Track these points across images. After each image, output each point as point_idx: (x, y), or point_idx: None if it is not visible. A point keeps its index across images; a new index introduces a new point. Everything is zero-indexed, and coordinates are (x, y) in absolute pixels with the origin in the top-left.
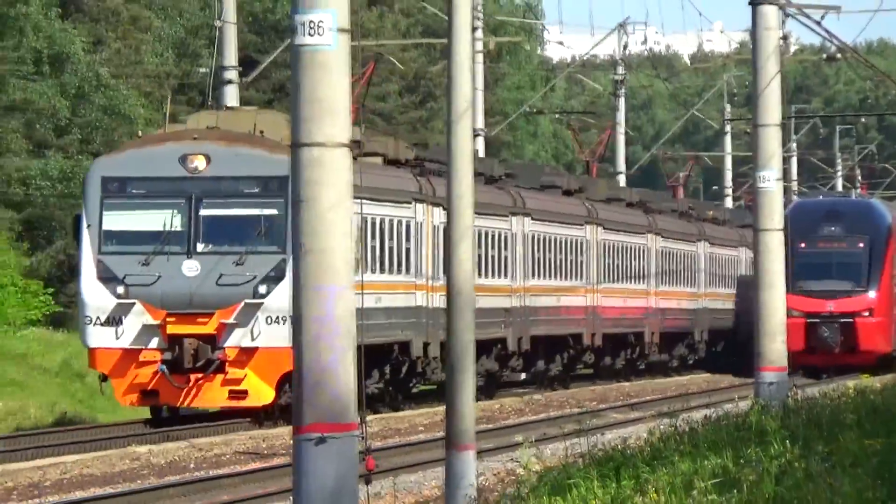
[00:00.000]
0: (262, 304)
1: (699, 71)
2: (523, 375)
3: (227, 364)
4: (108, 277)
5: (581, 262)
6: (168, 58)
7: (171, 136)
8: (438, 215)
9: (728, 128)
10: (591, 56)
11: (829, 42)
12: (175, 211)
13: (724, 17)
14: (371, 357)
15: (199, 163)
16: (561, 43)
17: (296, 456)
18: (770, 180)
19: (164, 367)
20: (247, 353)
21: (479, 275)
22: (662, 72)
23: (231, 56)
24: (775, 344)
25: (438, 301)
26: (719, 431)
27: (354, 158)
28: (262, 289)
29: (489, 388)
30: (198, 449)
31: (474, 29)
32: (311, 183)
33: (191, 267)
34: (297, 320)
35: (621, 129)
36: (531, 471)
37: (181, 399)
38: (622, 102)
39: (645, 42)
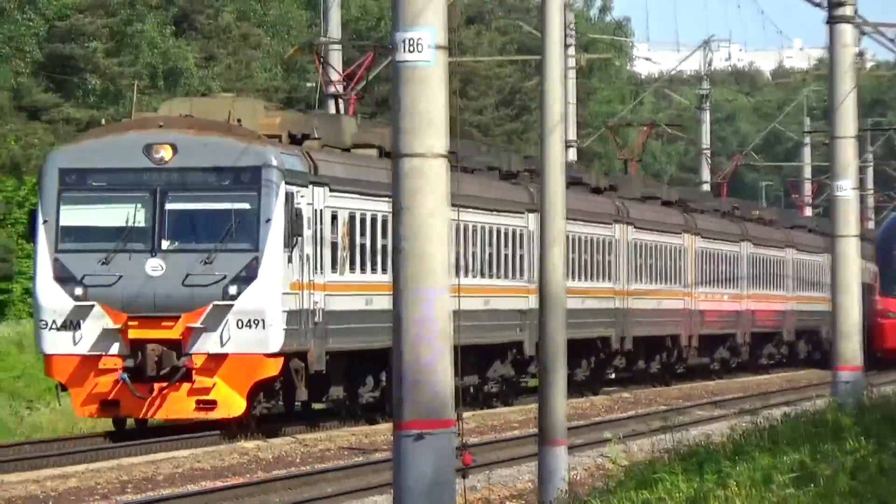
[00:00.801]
0: (232, 306)
1: (780, 86)
2: (613, 375)
3: (193, 372)
4: (65, 277)
5: (679, 268)
6: (276, 73)
7: (134, 123)
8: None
9: (807, 140)
10: (678, 72)
11: None
12: (138, 205)
13: (803, 34)
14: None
15: (165, 153)
16: (649, 59)
17: (396, 451)
18: (846, 189)
19: (126, 375)
20: (215, 360)
21: (586, 278)
22: (745, 87)
23: (335, 72)
24: (851, 344)
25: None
26: (797, 428)
27: (453, 168)
28: (233, 290)
29: (593, 383)
30: (303, 444)
31: (567, 46)
32: (411, 191)
33: (154, 266)
34: (397, 321)
35: (706, 143)
36: (619, 465)
37: (144, 410)
38: (707, 116)
39: (728, 59)
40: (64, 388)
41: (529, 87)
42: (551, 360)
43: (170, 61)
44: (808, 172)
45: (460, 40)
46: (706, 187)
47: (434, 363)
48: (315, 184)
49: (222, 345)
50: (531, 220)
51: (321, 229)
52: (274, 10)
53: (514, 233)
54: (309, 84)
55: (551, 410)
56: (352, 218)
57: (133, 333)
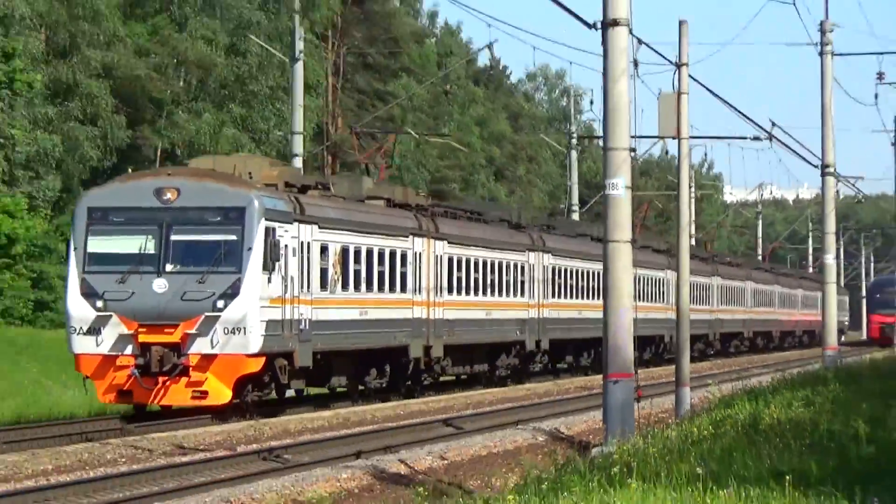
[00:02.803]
0: (219, 316)
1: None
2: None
3: (190, 369)
4: (89, 293)
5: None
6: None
7: (149, 173)
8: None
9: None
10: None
11: None
12: (150, 236)
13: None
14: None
15: (171, 195)
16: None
17: (605, 389)
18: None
19: (136, 371)
20: (208, 359)
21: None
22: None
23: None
24: (832, 335)
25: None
26: (804, 379)
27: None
28: (220, 304)
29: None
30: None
31: (690, 187)
32: (612, 258)
33: (160, 285)
34: (605, 322)
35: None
36: (715, 397)
37: (151, 398)
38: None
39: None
40: (89, 379)
41: None
42: (682, 344)
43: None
44: None
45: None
46: None
47: (624, 344)
48: (301, 221)
49: (212, 347)
50: (531, 257)
51: (309, 257)
52: None
53: (516, 266)
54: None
55: (682, 369)
56: (344, 249)
57: (142, 338)
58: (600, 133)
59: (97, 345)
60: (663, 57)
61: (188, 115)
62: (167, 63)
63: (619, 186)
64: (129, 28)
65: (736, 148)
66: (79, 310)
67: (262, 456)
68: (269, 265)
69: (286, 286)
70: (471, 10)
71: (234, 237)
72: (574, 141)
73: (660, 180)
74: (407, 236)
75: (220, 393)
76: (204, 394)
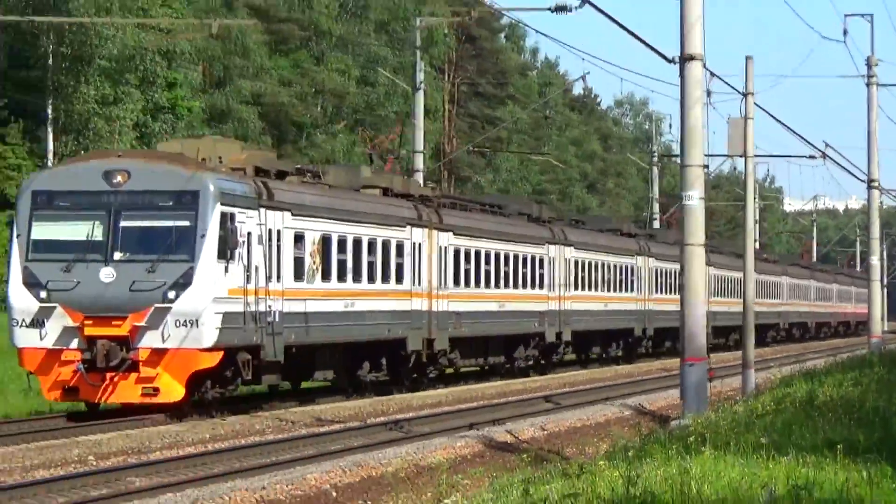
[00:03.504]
0: (170, 308)
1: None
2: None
3: (140, 364)
4: (32, 283)
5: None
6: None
7: (97, 154)
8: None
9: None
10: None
11: None
12: (97, 222)
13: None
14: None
15: (121, 178)
16: (790, 203)
17: (682, 371)
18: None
19: (82, 366)
20: (158, 354)
21: (622, 290)
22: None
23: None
24: (876, 324)
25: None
26: (853, 362)
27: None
28: (171, 294)
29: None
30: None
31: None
32: (689, 260)
33: (107, 273)
34: (682, 315)
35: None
36: (776, 378)
37: (98, 396)
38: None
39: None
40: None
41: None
42: (747, 334)
43: None
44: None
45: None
46: None
47: (699, 333)
48: (270, 207)
49: (163, 341)
50: (551, 250)
51: (279, 245)
52: None
53: (534, 258)
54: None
55: (748, 353)
56: (325, 238)
57: (88, 330)
58: (678, 152)
59: (41, 338)
60: (732, 87)
61: (325, 136)
62: (307, 91)
63: (694, 198)
64: (274, 62)
65: (794, 165)
66: (21, 301)
67: (389, 427)
68: (225, 253)
69: (249, 276)
70: (567, 46)
71: (186, 223)
72: (655, 159)
73: (729, 193)
74: (404, 226)
75: (172, 390)
76: (155, 391)
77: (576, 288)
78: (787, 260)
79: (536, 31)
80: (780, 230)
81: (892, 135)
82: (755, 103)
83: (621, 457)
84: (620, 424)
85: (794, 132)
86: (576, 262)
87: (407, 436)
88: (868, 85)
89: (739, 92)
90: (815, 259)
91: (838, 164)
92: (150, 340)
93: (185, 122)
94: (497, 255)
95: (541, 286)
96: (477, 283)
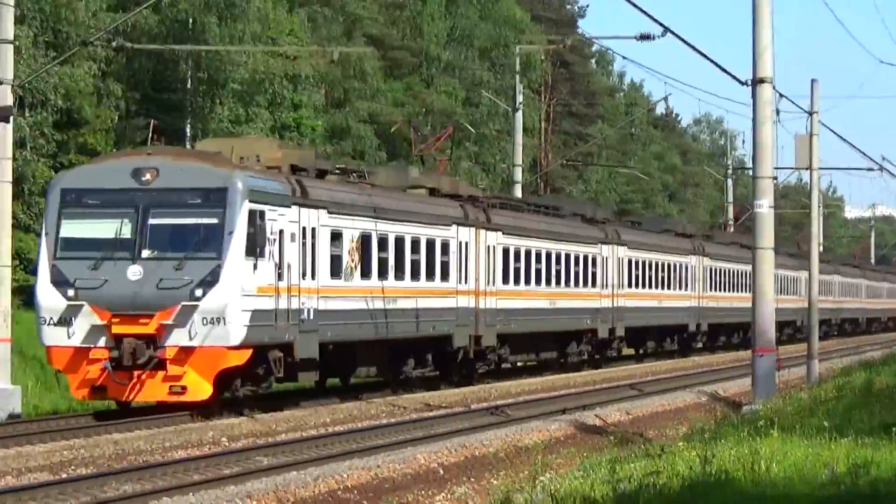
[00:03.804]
0: (197, 306)
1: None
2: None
3: (167, 362)
4: (60, 281)
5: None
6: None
7: (127, 153)
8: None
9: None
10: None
11: None
12: (126, 220)
13: None
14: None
15: (150, 176)
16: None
17: (753, 361)
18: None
19: (109, 364)
20: (186, 352)
21: (677, 288)
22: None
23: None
24: None
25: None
26: None
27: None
28: (199, 292)
29: (684, 349)
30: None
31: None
32: (759, 262)
33: (135, 272)
34: (754, 310)
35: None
36: (837, 368)
37: (126, 394)
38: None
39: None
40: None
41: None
42: (812, 329)
43: None
44: None
45: None
46: None
47: (769, 328)
48: (304, 205)
49: (190, 339)
50: (604, 249)
51: (314, 243)
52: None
53: (587, 257)
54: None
55: (812, 346)
56: (365, 236)
57: (116, 329)
58: (750, 165)
59: (69, 336)
60: (799, 107)
61: (436, 152)
62: (418, 111)
63: (764, 206)
64: (388, 85)
65: (854, 176)
66: (49, 299)
67: (490, 411)
68: (255, 251)
69: (280, 273)
70: (651, 70)
71: (214, 220)
72: (730, 171)
73: (795, 202)
74: (449, 225)
75: (199, 388)
76: (183, 389)
77: (630, 286)
78: (839, 260)
79: (623, 58)
80: (841, 234)
81: None
82: (819, 121)
83: (698, 438)
84: (697, 410)
85: (855, 147)
86: (629, 261)
87: (506, 420)
88: None
89: (805, 111)
90: (873, 261)
91: (894, 175)
92: (178, 338)
93: (308, 139)
94: (548, 254)
95: (593, 284)
96: (527, 282)
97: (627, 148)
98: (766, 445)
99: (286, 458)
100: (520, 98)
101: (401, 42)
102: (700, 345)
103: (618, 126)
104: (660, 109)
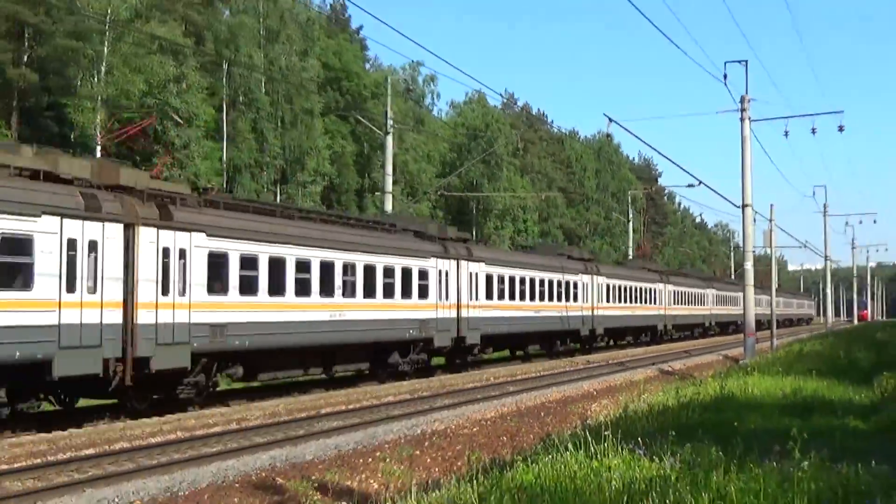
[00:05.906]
0: None
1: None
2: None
3: None
4: None
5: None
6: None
7: None
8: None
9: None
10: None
11: None
12: None
13: None
14: None
15: None
16: (828, 258)
17: (744, 339)
18: (749, 266)
19: None
20: None
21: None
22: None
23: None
24: (751, 326)
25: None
26: (814, 335)
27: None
28: None
29: (652, 342)
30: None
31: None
32: (747, 293)
33: None
34: (745, 315)
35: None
36: (786, 343)
37: None
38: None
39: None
40: None
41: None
42: (772, 324)
43: None
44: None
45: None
46: None
47: (751, 324)
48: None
49: None
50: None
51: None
52: None
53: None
54: None
55: (773, 332)
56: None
57: None
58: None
59: None
60: (763, 216)
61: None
62: (580, 224)
63: (749, 266)
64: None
65: (792, 248)
66: None
67: (617, 364)
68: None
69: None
70: (696, 202)
71: None
72: (731, 250)
73: (763, 263)
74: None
75: None
76: None
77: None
78: (784, 288)
79: (681, 196)
80: (787, 279)
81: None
82: (775, 223)
83: (718, 376)
84: (719, 364)
85: (792, 236)
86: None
87: (625, 368)
88: (742, 120)
89: (767, 219)
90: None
91: (812, 249)
92: None
93: None
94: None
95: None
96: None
97: (683, 238)
98: (752, 380)
99: (346, 419)
100: (630, 214)
101: (565, 185)
102: (669, 337)
103: (678, 229)
104: (697, 218)
